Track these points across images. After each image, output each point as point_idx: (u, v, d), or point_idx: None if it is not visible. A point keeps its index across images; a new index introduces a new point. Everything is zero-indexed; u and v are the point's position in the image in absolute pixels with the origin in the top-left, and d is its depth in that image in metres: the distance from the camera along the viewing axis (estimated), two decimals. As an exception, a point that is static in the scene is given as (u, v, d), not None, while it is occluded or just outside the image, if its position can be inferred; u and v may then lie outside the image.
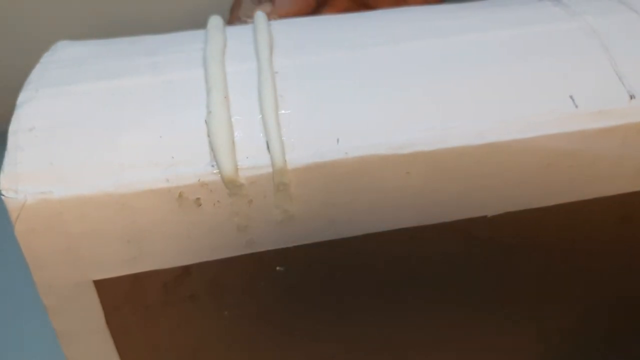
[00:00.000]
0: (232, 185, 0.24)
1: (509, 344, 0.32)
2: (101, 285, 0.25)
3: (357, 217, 0.26)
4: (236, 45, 0.28)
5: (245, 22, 0.31)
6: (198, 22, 0.31)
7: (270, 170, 0.24)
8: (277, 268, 0.27)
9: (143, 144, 0.24)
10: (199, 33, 0.29)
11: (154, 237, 0.25)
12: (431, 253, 0.28)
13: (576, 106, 0.26)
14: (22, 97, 0.25)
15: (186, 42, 0.29)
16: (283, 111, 0.25)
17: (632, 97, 0.26)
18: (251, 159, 0.24)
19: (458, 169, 0.25)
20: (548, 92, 0.26)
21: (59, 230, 0.24)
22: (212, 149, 0.24)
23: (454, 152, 0.25)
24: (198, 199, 0.24)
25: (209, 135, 0.24)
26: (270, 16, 0.30)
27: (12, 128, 0.24)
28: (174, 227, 0.25)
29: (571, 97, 0.26)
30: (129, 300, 0.26)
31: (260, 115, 0.25)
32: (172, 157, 0.24)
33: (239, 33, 0.29)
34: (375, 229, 0.26)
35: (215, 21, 0.29)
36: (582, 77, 0.27)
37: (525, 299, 0.30)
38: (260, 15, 0.30)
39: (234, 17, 0.36)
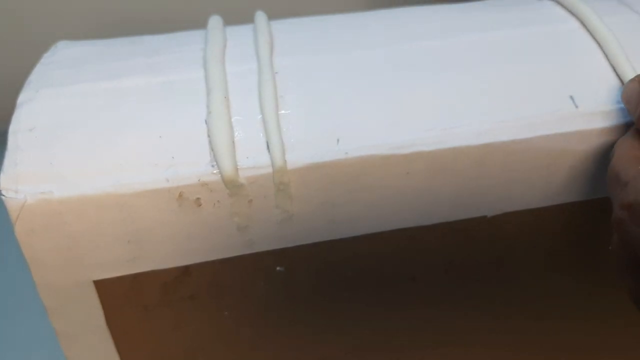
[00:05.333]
0: (232, 185, 0.24)
1: (508, 342, 0.32)
2: (101, 285, 0.25)
3: (357, 217, 0.26)
4: (236, 46, 0.28)
5: None
6: (198, 22, 0.31)
7: (270, 170, 0.24)
8: (277, 268, 0.27)
9: (143, 144, 0.24)
10: (199, 33, 0.29)
11: (154, 238, 0.25)
12: (431, 253, 0.28)
13: (576, 106, 0.26)
14: (22, 97, 0.26)
15: (186, 42, 0.29)
16: (283, 111, 0.25)
17: (632, 97, 0.26)
18: (251, 159, 0.24)
19: (458, 169, 0.25)
20: (548, 92, 0.26)
21: (59, 231, 0.24)
22: (212, 149, 0.24)
23: (454, 152, 0.25)
24: (198, 199, 0.24)
25: (209, 136, 0.24)
26: None
27: (12, 128, 0.24)
28: (174, 227, 0.25)
29: (571, 97, 0.26)
30: (129, 300, 0.26)
31: (261, 116, 0.25)
32: (172, 157, 0.24)
33: (239, 33, 0.29)
34: (375, 229, 0.26)
35: (215, 21, 0.29)
36: (582, 77, 0.27)
37: (525, 299, 0.30)
38: (260, 15, 0.30)
39: None
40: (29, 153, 0.24)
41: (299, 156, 0.24)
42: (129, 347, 0.28)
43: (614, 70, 0.27)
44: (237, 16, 0.33)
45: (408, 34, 0.28)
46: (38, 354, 0.43)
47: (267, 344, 0.29)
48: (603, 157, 0.26)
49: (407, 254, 0.27)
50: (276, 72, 0.26)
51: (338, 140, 0.25)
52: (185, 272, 0.26)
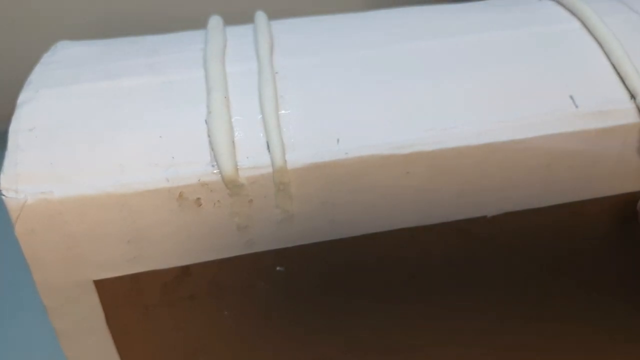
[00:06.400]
0: (232, 185, 0.24)
1: (509, 342, 0.32)
2: (101, 285, 0.25)
3: (357, 217, 0.26)
4: (236, 46, 0.28)
5: None
6: (198, 22, 0.31)
7: (270, 170, 0.24)
8: (277, 268, 0.27)
9: (143, 144, 0.24)
10: (199, 33, 0.29)
11: (154, 237, 0.25)
12: (431, 253, 0.28)
13: (576, 106, 0.26)
14: (22, 97, 0.26)
15: (186, 42, 0.29)
16: (283, 111, 0.25)
17: (632, 97, 0.26)
18: (251, 159, 0.24)
19: (458, 169, 0.25)
20: (548, 92, 0.26)
21: (59, 231, 0.24)
22: (213, 149, 0.24)
23: (453, 152, 0.25)
24: (198, 199, 0.24)
25: (209, 135, 0.24)
26: None
27: (12, 128, 0.24)
28: (174, 227, 0.25)
29: (571, 97, 0.26)
30: (129, 300, 0.26)
31: (261, 116, 0.25)
32: (172, 157, 0.24)
33: (239, 33, 0.29)
34: (375, 229, 0.26)
35: (215, 21, 0.29)
36: (582, 77, 0.27)
37: (525, 299, 0.30)
38: (260, 15, 0.30)
39: None
40: (29, 153, 0.24)
41: (299, 156, 0.24)
42: (129, 347, 0.28)
43: (615, 70, 0.27)
44: (237, 16, 0.33)
45: (408, 34, 0.28)
46: (38, 354, 0.43)
47: (267, 344, 0.29)
48: (603, 157, 0.26)
49: (407, 254, 0.27)
50: (276, 72, 0.26)
51: (338, 140, 0.25)
52: (185, 272, 0.26)
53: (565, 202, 0.27)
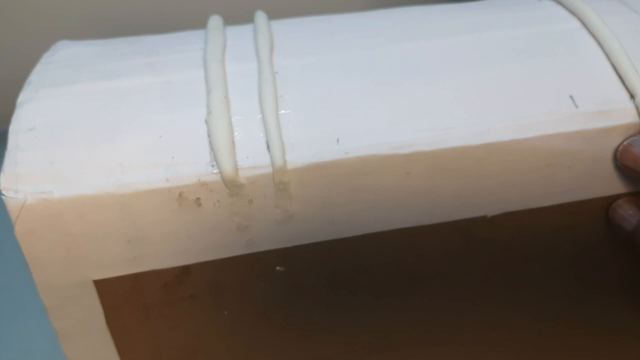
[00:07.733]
0: (232, 185, 0.24)
1: (508, 342, 0.32)
2: (101, 285, 0.25)
3: (357, 217, 0.26)
4: (236, 46, 0.28)
5: None
6: (198, 22, 0.31)
7: (270, 170, 0.24)
8: (277, 268, 0.27)
9: (143, 144, 0.24)
10: (199, 33, 0.29)
11: (154, 237, 0.25)
12: (431, 253, 0.28)
13: (576, 106, 0.26)
14: (22, 97, 0.26)
15: (186, 42, 0.29)
16: (283, 111, 0.25)
17: (631, 96, 0.26)
18: (251, 159, 0.24)
19: (458, 169, 0.25)
20: (548, 92, 0.26)
21: (59, 231, 0.24)
22: (212, 148, 0.24)
23: (454, 152, 0.25)
24: (198, 199, 0.24)
25: (209, 135, 0.24)
26: None
27: (12, 128, 0.24)
28: (174, 227, 0.25)
29: (571, 97, 0.26)
30: (129, 300, 0.26)
31: (261, 116, 0.25)
32: (172, 157, 0.24)
33: (239, 33, 0.29)
34: (375, 229, 0.26)
35: (215, 21, 0.29)
36: (582, 77, 0.27)
37: (525, 298, 0.30)
38: (260, 15, 0.30)
39: None
40: (29, 153, 0.24)
41: (299, 156, 0.24)
42: (129, 347, 0.28)
43: (615, 69, 0.27)
44: (237, 16, 0.33)
45: (408, 33, 0.28)
46: (38, 354, 0.43)
47: (266, 343, 0.29)
48: (603, 157, 0.26)
49: (407, 254, 0.27)
50: (276, 72, 0.26)
51: (338, 140, 0.25)
52: (185, 271, 0.26)
53: (565, 202, 0.27)
